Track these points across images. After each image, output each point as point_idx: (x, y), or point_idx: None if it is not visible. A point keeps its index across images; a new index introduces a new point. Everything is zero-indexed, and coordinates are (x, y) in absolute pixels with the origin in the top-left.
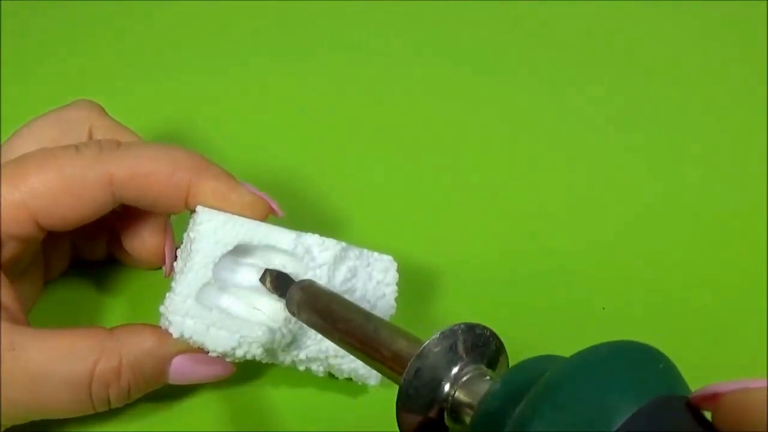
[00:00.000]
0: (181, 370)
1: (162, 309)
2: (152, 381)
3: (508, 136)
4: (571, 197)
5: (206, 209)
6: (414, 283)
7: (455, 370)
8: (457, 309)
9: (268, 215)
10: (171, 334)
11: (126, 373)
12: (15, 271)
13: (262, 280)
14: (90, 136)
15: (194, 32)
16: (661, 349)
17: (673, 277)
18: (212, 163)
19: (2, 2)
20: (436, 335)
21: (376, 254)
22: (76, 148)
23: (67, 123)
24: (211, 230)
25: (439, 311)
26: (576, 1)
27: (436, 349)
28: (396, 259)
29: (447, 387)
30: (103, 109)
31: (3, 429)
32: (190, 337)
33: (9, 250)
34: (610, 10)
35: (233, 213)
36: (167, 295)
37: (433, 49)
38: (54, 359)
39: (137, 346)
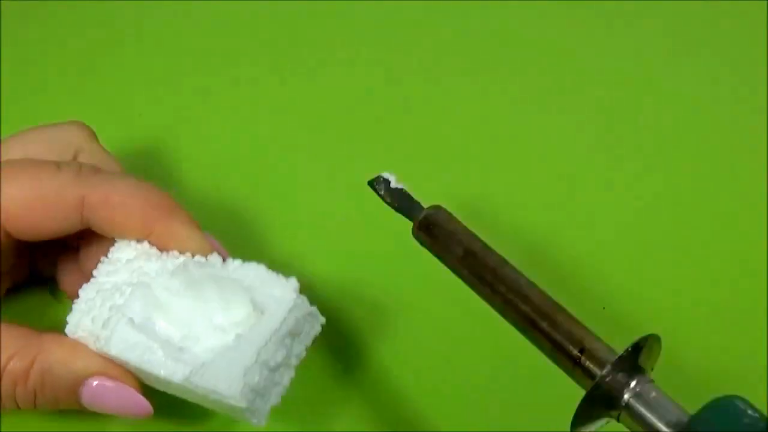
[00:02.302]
0: (93, 393)
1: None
2: (63, 396)
3: (504, 142)
4: (569, 197)
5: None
6: (401, 288)
7: (634, 383)
8: (454, 311)
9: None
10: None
11: (34, 377)
12: None
13: (374, 185)
14: (75, 159)
15: (191, 37)
16: (661, 349)
17: (672, 278)
18: (179, 206)
19: (2, 2)
20: (630, 347)
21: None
22: (57, 165)
23: (56, 143)
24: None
25: (434, 313)
26: (571, 1)
27: (626, 358)
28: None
29: (627, 396)
30: (93, 134)
31: None
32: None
33: None
34: (608, 10)
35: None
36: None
37: (428, 65)
38: None
39: (52, 354)
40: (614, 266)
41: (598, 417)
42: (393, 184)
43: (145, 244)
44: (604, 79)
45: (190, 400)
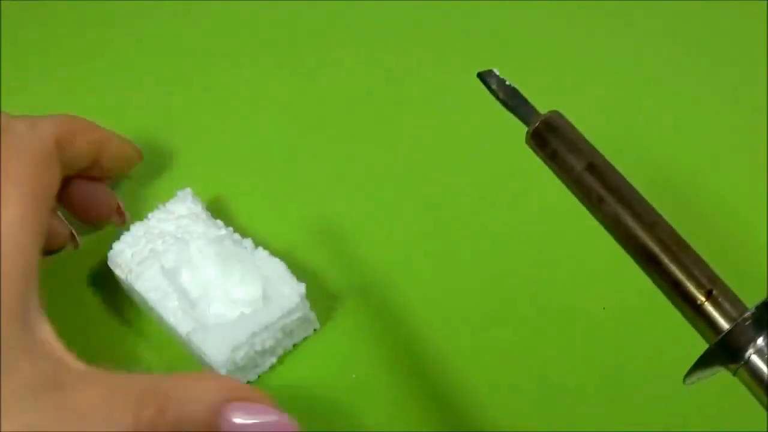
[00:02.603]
0: (232, 420)
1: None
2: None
3: (509, 139)
4: (568, 194)
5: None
6: (405, 285)
7: (760, 339)
8: (455, 308)
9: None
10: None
11: (166, 424)
12: None
13: (485, 78)
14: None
15: (190, 37)
16: (661, 348)
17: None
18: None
19: (2, 2)
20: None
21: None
22: (5, 130)
23: None
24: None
25: (441, 312)
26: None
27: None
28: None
29: (750, 351)
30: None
31: None
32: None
33: None
34: (609, 10)
35: None
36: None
37: (428, 65)
38: (99, 404)
39: (186, 392)
40: (614, 264)
41: (712, 366)
42: (507, 83)
43: (199, 207)
44: (604, 79)
45: (191, 354)
